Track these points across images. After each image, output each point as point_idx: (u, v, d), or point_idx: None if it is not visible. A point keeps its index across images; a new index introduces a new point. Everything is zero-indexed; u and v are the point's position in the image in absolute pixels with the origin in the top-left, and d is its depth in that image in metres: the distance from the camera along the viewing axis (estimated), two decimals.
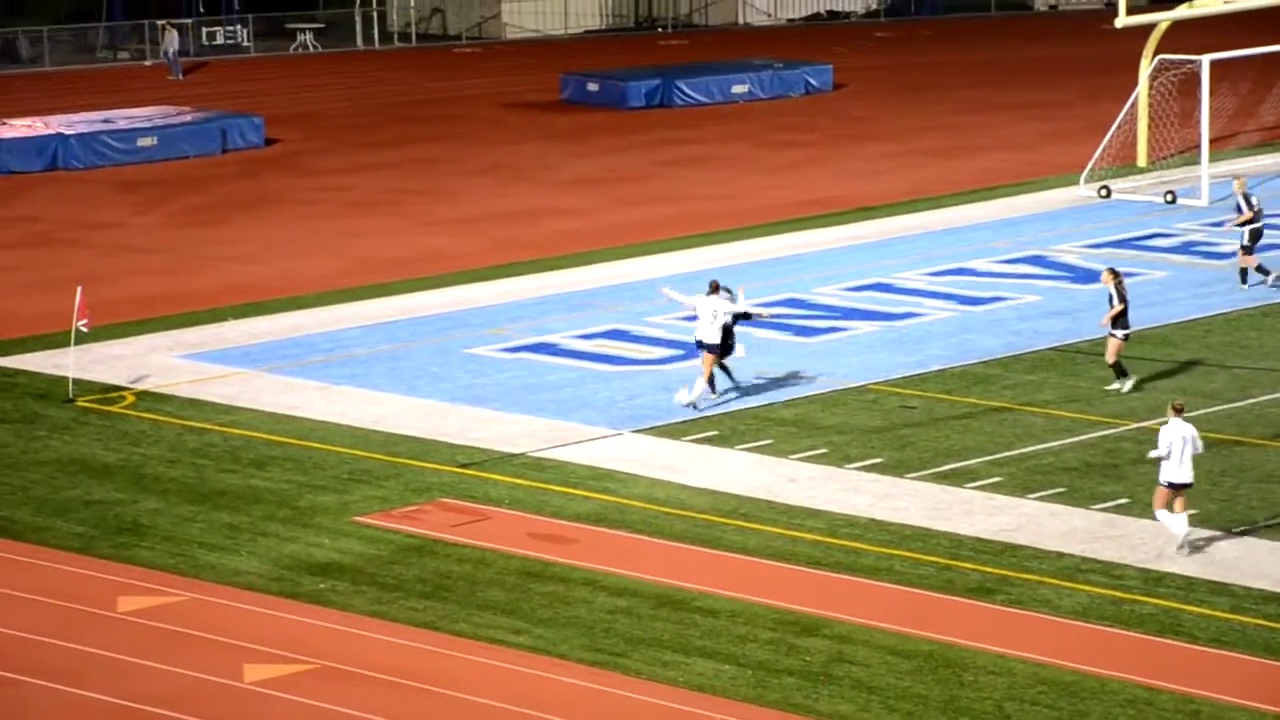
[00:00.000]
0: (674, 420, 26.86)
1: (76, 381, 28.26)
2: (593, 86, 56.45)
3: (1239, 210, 33.98)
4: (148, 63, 63.87)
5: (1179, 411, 21.73)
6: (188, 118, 49.48)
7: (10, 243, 38.63)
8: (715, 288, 27.13)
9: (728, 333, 27.03)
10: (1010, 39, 70.09)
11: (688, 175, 45.82)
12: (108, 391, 28.33)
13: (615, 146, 49.63)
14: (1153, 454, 21.81)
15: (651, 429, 26.53)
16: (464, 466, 25.04)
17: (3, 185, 44.32)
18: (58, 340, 30.02)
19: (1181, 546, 21.69)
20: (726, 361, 27.45)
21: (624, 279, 35.35)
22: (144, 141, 47.31)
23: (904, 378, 28.90)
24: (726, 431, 26.39)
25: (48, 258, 37.28)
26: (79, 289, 28.47)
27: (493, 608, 20.66)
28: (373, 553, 22.18)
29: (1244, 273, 33.73)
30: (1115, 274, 27.80)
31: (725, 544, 22.47)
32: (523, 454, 25.53)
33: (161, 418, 27.12)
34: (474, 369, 29.51)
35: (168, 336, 31.42)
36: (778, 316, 32.34)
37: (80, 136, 46.69)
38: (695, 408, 26.79)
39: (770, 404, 27.59)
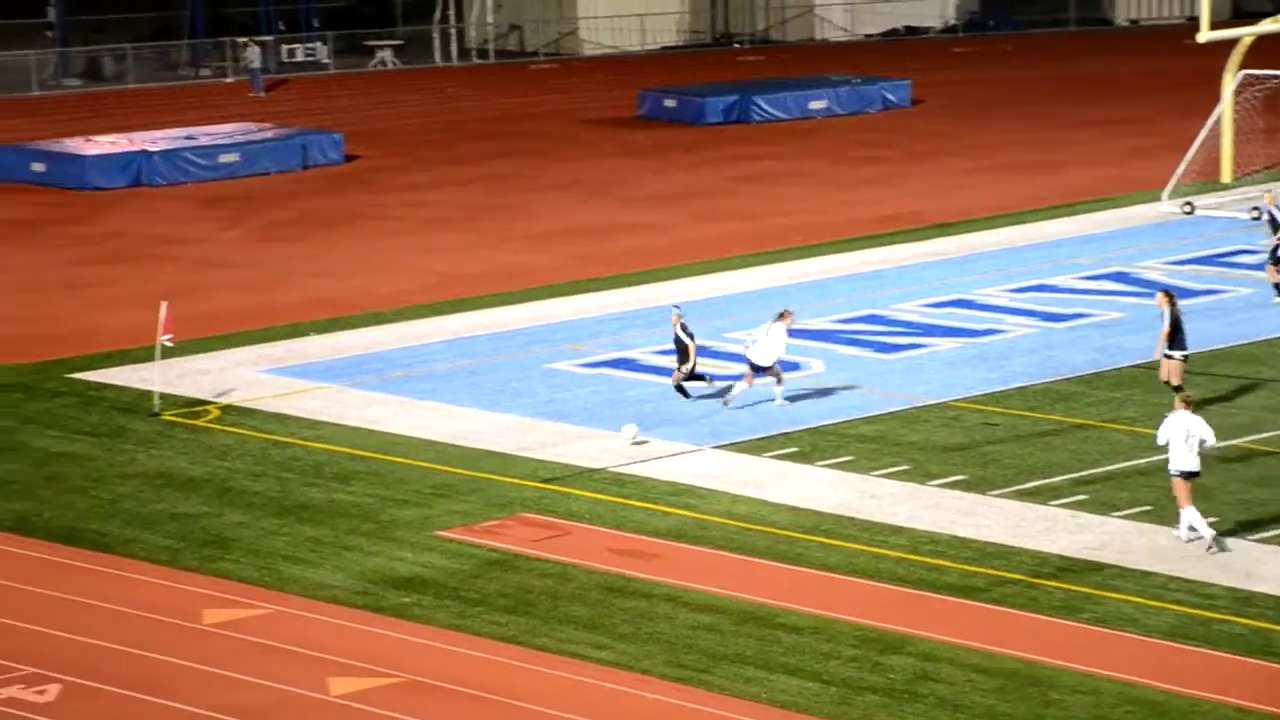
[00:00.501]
0: (755, 436, 26.83)
1: (162, 396, 28.51)
2: (670, 102, 56.52)
3: (1273, 224, 34.12)
4: (229, 79, 64.45)
5: (1189, 404, 22.38)
6: (269, 134, 49.89)
7: (96, 258, 39.04)
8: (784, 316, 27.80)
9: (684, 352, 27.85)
10: (1091, 54, 69.70)
11: (765, 191, 45.79)
12: (193, 406, 28.56)
13: (692, 162, 49.66)
14: (1159, 442, 22.43)
15: (732, 445, 26.50)
16: (545, 481, 25.09)
17: (88, 201, 44.79)
18: (143, 355, 30.30)
19: (1198, 540, 22.01)
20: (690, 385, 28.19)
21: (701, 295, 35.33)
22: (226, 158, 47.73)
23: (986, 394, 28.75)
24: (807, 448, 26.33)
25: (132, 273, 37.64)
26: (163, 304, 28.72)
27: (575, 623, 20.68)
28: (455, 567, 22.25)
29: (1278, 286, 33.68)
30: (1170, 297, 27.52)
31: (807, 560, 22.41)
32: (603, 469, 25.56)
33: (246, 432, 27.32)
34: (554, 384, 29.57)
35: (251, 351, 31.66)
36: (859, 333, 32.26)
37: (164, 153, 47.15)
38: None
39: (851, 420, 27.51)
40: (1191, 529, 22.30)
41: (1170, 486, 22.44)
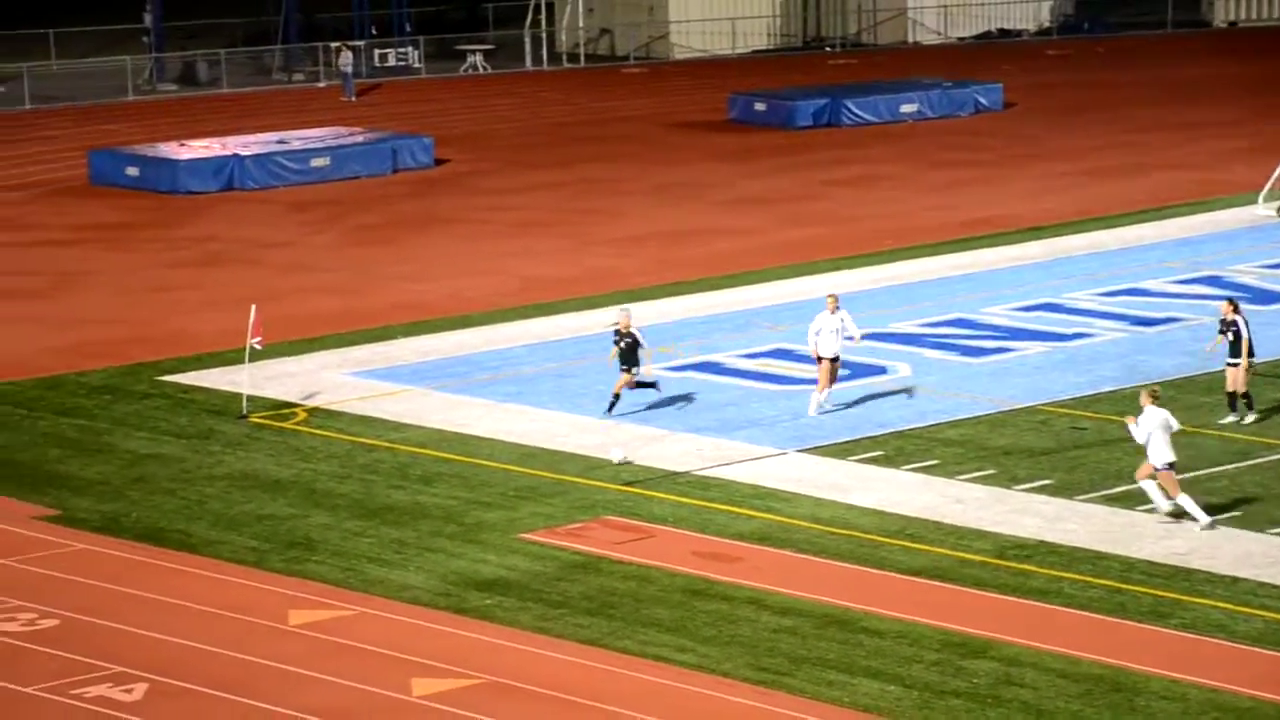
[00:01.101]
0: (839, 440, 26.72)
1: (250, 398, 28.74)
2: (760, 106, 56.43)
3: None
4: (321, 84, 64.93)
5: (1155, 399, 23.02)
6: (359, 138, 50.21)
7: (187, 262, 39.43)
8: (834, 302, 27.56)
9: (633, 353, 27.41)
10: (1186, 56, 68.97)
11: (854, 195, 45.62)
12: (280, 408, 28.78)
13: (782, 166, 49.55)
14: (1140, 439, 22.95)
15: (816, 448, 26.41)
16: (628, 484, 25.09)
17: (181, 205, 45.25)
18: (232, 358, 30.57)
19: (1182, 518, 22.72)
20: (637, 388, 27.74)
21: (789, 298, 35.24)
22: (317, 162, 48.07)
23: (1074, 399, 28.50)
24: (892, 452, 26.19)
25: (223, 276, 37.99)
26: (253, 307, 28.96)
27: (657, 625, 20.66)
28: (538, 569, 22.29)
29: None
30: (1235, 305, 27.34)
31: (891, 564, 22.29)
32: (687, 472, 25.53)
33: (332, 434, 27.50)
34: (639, 388, 29.53)
35: (338, 354, 31.86)
36: (946, 337, 32.07)
37: (255, 157, 47.55)
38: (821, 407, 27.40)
39: (937, 424, 27.35)
40: (1176, 512, 22.86)
41: (1150, 474, 22.93)
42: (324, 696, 18.90)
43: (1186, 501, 22.90)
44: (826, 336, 27.56)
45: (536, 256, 39.45)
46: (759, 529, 23.44)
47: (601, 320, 33.86)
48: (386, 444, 26.99)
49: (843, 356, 27.85)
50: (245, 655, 19.86)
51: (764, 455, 26.17)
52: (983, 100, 57.62)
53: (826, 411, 27.67)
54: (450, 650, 19.98)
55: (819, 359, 27.65)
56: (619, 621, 20.77)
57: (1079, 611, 20.87)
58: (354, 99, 61.34)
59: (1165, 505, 23.05)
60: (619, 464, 25.54)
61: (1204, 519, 22.86)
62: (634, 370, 27.58)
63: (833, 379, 27.68)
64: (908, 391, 28.90)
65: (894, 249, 39.10)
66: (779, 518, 23.83)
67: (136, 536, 23.44)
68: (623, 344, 27.46)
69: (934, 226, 41.51)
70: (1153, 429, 22.81)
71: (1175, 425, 23.02)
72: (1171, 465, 22.86)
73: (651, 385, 28.01)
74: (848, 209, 43.86)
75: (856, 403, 28.00)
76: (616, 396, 27.66)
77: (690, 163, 50.10)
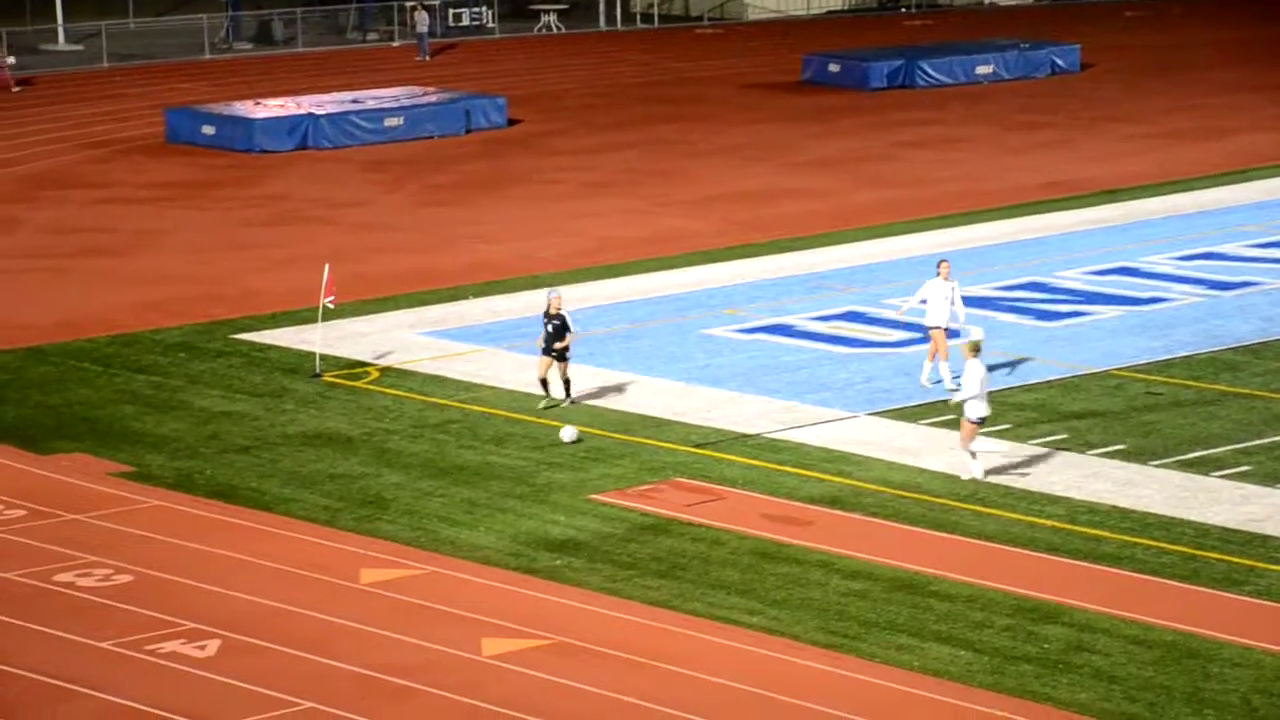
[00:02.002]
0: (911, 403, 26.60)
1: (323, 357, 28.87)
2: (834, 67, 56.11)
3: None
4: (395, 44, 65.02)
5: (976, 351, 23.24)
6: (433, 98, 50.26)
7: (262, 220, 39.62)
8: (943, 269, 26.80)
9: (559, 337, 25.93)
10: (1267, 16, 68.07)
11: (928, 157, 45.33)
12: (353, 367, 28.91)
13: (855, 128, 49.29)
14: (958, 397, 23.27)
15: (888, 412, 26.30)
16: (699, 446, 25.06)
17: (256, 164, 45.45)
18: (306, 316, 30.70)
19: (987, 470, 23.22)
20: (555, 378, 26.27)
21: (862, 260, 35.11)
22: (391, 121, 48.17)
23: (1149, 363, 28.27)
24: None
25: (297, 235, 38.15)
26: (326, 266, 29.07)
27: (727, 588, 20.66)
28: (608, 530, 22.32)
29: None
30: None
31: (962, 529, 22.20)
32: (758, 435, 25.49)
33: (404, 393, 27.60)
34: (710, 349, 29.52)
35: (410, 314, 31.96)
36: (1020, 300, 31.85)
37: (330, 116, 47.67)
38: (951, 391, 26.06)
39: (1009, 388, 27.18)
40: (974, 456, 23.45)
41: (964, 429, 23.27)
42: (395, 655, 19.00)
43: (978, 445, 23.36)
44: (938, 304, 26.75)
45: (607, 217, 39.41)
46: (829, 492, 23.39)
47: (674, 282, 33.82)
48: (458, 404, 27.06)
49: (952, 326, 26.85)
50: (317, 614, 19.98)
51: (835, 418, 26.09)
52: (1059, 62, 57.10)
53: (937, 381, 26.80)
54: (520, 611, 20.04)
55: (929, 328, 26.89)
56: (688, 583, 20.78)
57: (1152, 577, 20.72)
58: (428, 59, 61.39)
59: (1000, 447, 23.62)
60: (570, 444, 24.78)
61: (979, 471, 23.32)
62: (562, 355, 26.00)
63: (945, 348, 26.75)
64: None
65: (967, 211, 38.83)
66: (850, 481, 23.76)
67: (210, 494, 23.62)
68: (550, 326, 25.97)
69: (1009, 189, 41.21)
70: (981, 381, 23.22)
71: (988, 383, 23.46)
72: (982, 420, 23.25)
73: (565, 393, 26.40)
74: (921, 171, 43.58)
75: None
76: (544, 382, 26.29)
77: (763, 124, 49.90)
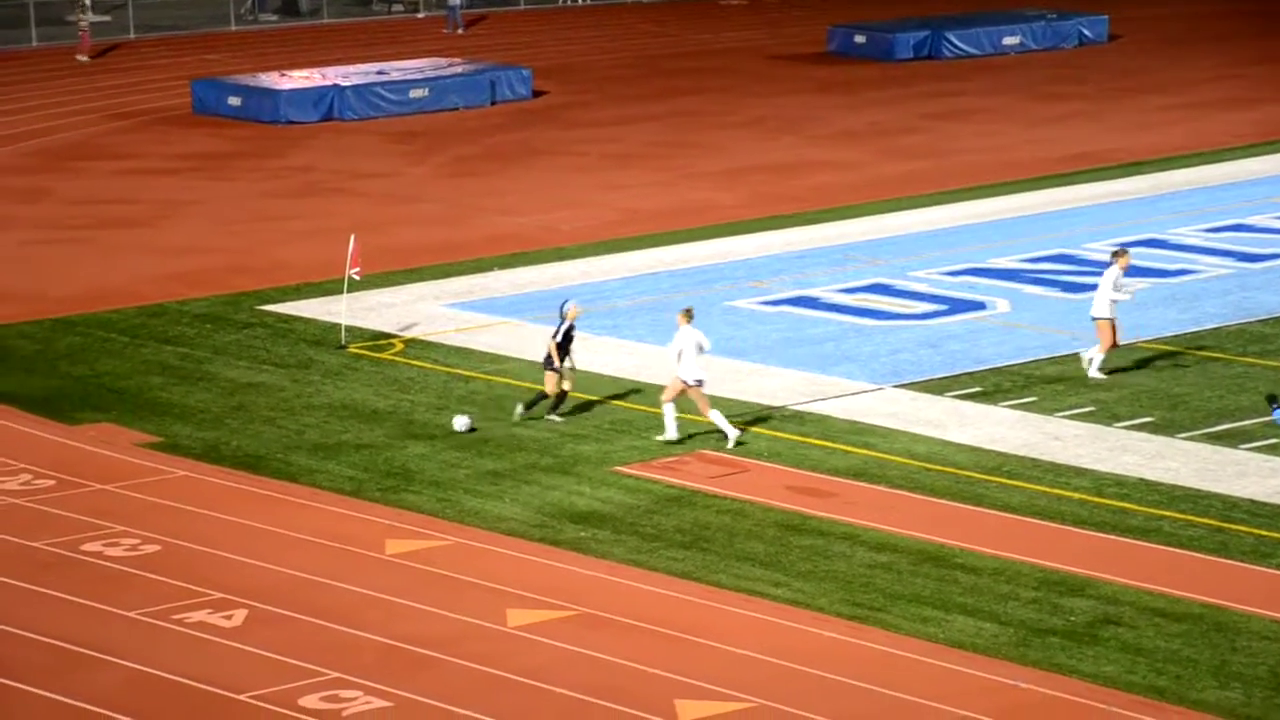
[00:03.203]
0: (936, 375, 26.55)
1: (348, 328, 28.91)
2: (860, 39, 55.93)
3: None
4: (420, 15, 64.94)
5: (689, 317, 23.75)
6: (458, 70, 50.21)
7: (287, 192, 39.64)
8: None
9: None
10: None
11: (954, 128, 45.18)
12: (378, 339, 28.94)
13: (881, 99, 49.13)
14: (671, 356, 23.74)
15: (913, 384, 26.25)
16: (725, 419, 25.02)
17: (281, 135, 45.46)
18: (331, 288, 30.73)
19: (679, 438, 23.61)
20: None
21: (887, 233, 35.02)
22: (416, 93, 48.13)
23: (1176, 335, 28.17)
24: (990, 388, 26.00)
25: (323, 207, 38.16)
26: (352, 237, 29.08)
27: (752, 559, 20.66)
28: (633, 502, 22.32)
29: None
30: None
31: (988, 501, 22.16)
32: (782, 407, 25.46)
33: (429, 365, 27.62)
34: (734, 321, 29.49)
35: (435, 285, 31.97)
36: (1046, 272, 31.75)
37: (355, 88, 47.66)
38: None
39: (1035, 360, 27.11)
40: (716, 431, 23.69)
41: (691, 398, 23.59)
42: (421, 625, 19.04)
43: (717, 418, 23.64)
44: (1108, 294, 25.57)
45: (632, 189, 39.35)
46: (854, 464, 23.36)
47: (699, 254, 33.77)
48: (483, 376, 27.07)
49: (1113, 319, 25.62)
50: (343, 584, 20.03)
51: (860, 390, 26.05)
52: (1087, 32, 56.83)
53: (1096, 378, 25.78)
54: (545, 582, 20.06)
55: (1095, 319, 25.82)
56: (713, 555, 20.78)
57: (1179, 550, 20.67)
58: (461, 31, 61.26)
59: (733, 432, 23.69)
60: (463, 432, 24.25)
61: (733, 434, 23.63)
62: (567, 370, 24.64)
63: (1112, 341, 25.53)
64: (1006, 327, 28.64)
65: (993, 183, 38.70)
66: (875, 453, 23.72)
67: (236, 464, 23.67)
68: (562, 336, 24.57)
69: (1035, 161, 41.06)
70: (684, 346, 23.53)
71: (707, 345, 23.79)
72: (700, 382, 23.60)
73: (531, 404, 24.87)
74: (948, 142, 43.44)
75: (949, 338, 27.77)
76: (559, 396, 24.82)
77: (788, 95, 49.76)
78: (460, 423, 24.61)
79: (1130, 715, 17.17)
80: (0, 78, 52.80)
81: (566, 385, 25.02)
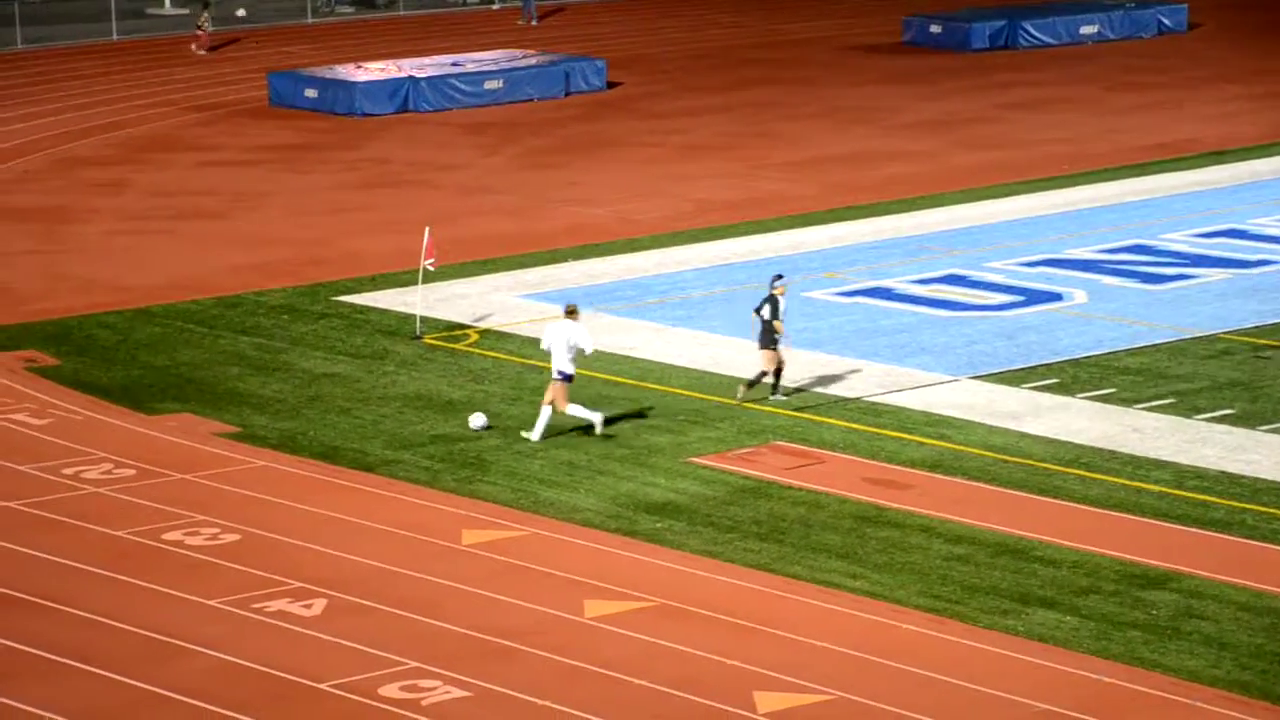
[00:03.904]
0: (1013, 367, 26.39)
1: (423, 319, 29.00)
2: (935, 28, 55.63)
3: None
4: (496, 6, 65.06)
5: (571, 314, 23.75)
6: (533, 61, 50.26)
7: (362, 183, 39.80)
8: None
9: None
10: None
11: (1031, 119, 44.88)
12: (452, 329, 29.02)
13: (956, 89, 48.87)
14: (544, 347, 23.77)
15: (989, 375, 26.10)
16: (798, 410, 24.98)
17: (357, 127, 45.66)
18: (406, 279, 30.84)
19: (542, 435, 23.58)
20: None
21: (963, 223, 34.83)
22: (490, 84, 48.22)
23: (1257, 327, 27.89)
24: (1068, 380, 25.82)
25: (397, 198, 38.30)
26: (427, 229, 29.16)
27: (828, 551, 20.60)
28: (708, 493, 22.30)
29: None
30: None
31: (1066, 494, 22.01)
32: (858, 398, 25.37)
33: (503, 355, 27.67)
34: (809, 313, 29.40)
35: (509, 276, 32.03)
36: (1124, 263, 31.51)
37: (430, 80, 47.79)
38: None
39: (1114, 352, 26.91)
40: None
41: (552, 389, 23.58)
42: (500, 616, 19.08)
43: (575, 410, 23.67)
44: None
45: (706, 180, 39.29)
46: (931, 456, 23.25)
47: (773, 245, 33.69)
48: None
49: None
50: (421, 574, 20.10)
51: (936, 382, 25.92)
52: (1166, 21, 56.32)
53: None
54: (621, 572, 20.07)
55: None
56: (789, 547, 20.73)
57: (1262, 544, 20.47)
58: (535, 23, 61.33)
59: (596, 417, 23.71)
60: (478, 430, 24.14)
61: (597, 418, 23.72)
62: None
63: None
64: (1084, 319, 28.45)
65: (1070, 174, 38.43)
66: (951, 445, 23.61)
67: (313, 454, 23.79)
68: (767, 310, 24.44)
69: (1113, 151, 40.74)
70: (554, 341, 23.57)
71: (589, 348, 23.65)
72: (565, 377, 23.59)
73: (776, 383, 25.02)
74: (1024, 133, 43.16)
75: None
76: (778, 373, 24.80)
77: (863, 86, 49.57)
78: (476, 421, 24.53)
79: (1215, 710, 17.02)
80: (81, 70, 53.28)
81: (783, 360, 24.94)
